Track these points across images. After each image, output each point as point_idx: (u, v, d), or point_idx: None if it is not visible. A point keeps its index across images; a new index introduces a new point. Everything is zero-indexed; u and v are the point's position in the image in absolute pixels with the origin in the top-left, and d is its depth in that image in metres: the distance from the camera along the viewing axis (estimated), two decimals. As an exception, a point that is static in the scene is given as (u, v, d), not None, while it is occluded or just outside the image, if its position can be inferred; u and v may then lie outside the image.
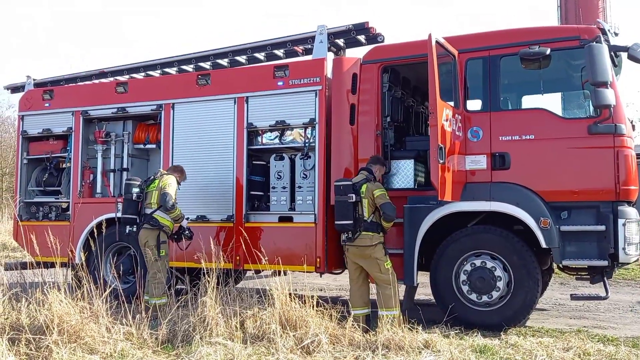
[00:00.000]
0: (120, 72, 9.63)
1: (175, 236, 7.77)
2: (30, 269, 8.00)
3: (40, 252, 7.41)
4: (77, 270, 7.91)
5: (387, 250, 6.56)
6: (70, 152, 9.23)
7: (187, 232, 7.78)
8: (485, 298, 6.71)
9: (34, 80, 10.06)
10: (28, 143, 9.72)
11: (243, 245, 7.44)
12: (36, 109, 9.58)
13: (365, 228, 6.41)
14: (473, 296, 6.76)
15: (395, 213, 6.56)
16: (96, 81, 9.77)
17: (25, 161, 9.70)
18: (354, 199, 6.40)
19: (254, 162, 8.23)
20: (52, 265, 7.89)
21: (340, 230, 6.56)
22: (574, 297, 6.88)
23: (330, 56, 7.95)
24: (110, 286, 6.55)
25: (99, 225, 8.40)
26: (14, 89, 10.49)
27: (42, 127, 9.47)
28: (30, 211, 9.64)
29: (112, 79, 9.69)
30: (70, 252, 8.77)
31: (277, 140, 8.08)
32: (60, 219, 9.36)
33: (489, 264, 6.68)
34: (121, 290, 6.83)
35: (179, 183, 7.72)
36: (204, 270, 6.65)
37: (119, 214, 8.06)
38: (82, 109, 9.16)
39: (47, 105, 9.49)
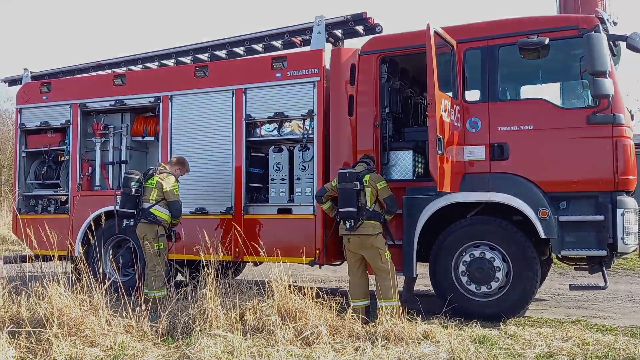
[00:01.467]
0: (117, 64, 9.61)
1: (170, 233, 7.77)
2: (29, 262, 8.01)
3: (39, 245, 7.42)
4: (76, 264, 7.92)
5: (386, 241, 6.59)
6: (69, 145, 9.22)
7: (175, 235, 7.80)
8: (484, 289, 6.72)
9: (31, 73, 10.03)
10: (26, 136, 9.70)
11: (242, 237, 7.44)
12: (34, 101, 9.55)
13: (367, 217, 6.43)
14: (472, 287, 6.77)
15: (397, 205, 6.59)
16: (94, 73, 9.74)
17: (23, 154, 9.69)
18: (358, 187, 6.42)
19: (253, 154, 8.22)
20: (52, 258, 7.91)
21: (344, 218, 6.55)
22: (572, 287, 6.89)
23: (329, 47, 7.93)
24: (109, 279, 6.56)
25: (97, 218, 8.43)
26: (12, 81, 10.46)
27: (40, 120, 9.45)
28: (29, 204, 9.65)
29: (109, 71, 9.66)
30: (69, 245, 8.80)
31: (275, 132, 8.06)
32: (59, 212, 9.36)
33: (488, 255, 6.69)
34: (121, 283, 6.84)
35: (177, 180, 7.72)
36: (203, 262, 6.66)
37: (117, 207, 8.07)
38: (80, 101, 9.13)
39: (45, 98, 9.47)
